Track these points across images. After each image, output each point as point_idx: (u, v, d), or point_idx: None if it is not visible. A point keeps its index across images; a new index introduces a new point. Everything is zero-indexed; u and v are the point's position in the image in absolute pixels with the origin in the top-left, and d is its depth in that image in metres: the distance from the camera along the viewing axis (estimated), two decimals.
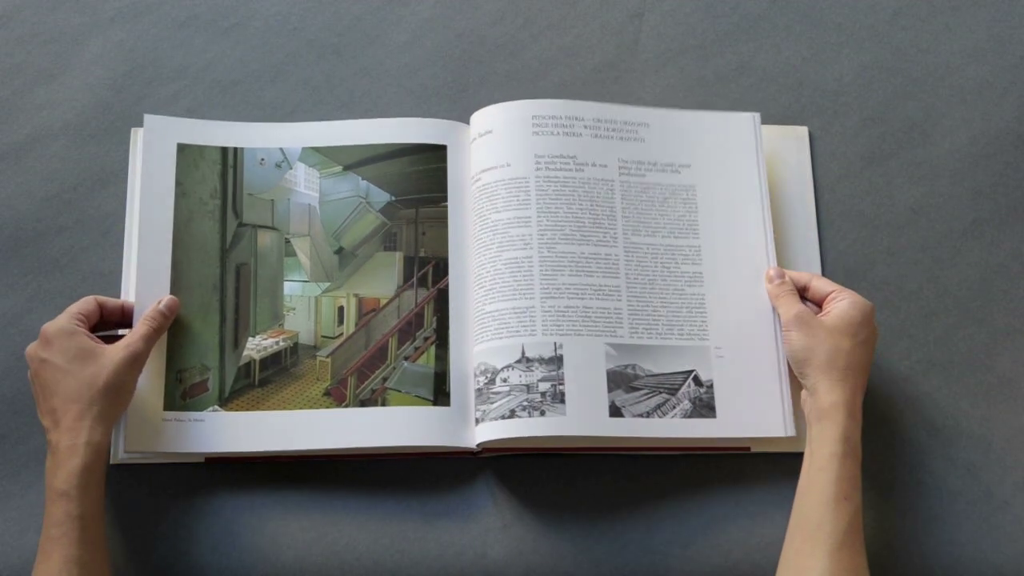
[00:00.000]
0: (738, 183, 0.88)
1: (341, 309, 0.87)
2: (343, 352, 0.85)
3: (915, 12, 0.98)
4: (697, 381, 0.83)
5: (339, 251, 0.88)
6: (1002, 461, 0.84)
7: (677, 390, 0.82)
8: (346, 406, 0.83)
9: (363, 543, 0.81)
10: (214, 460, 0.82)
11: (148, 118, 0.88)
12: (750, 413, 0.82)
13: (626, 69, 0.96)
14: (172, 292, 0.84)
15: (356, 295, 0.87)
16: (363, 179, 0.89)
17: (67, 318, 0.78)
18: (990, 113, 0.94)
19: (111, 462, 0.82)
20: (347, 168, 0.90)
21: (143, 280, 0.83)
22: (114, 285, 0.87)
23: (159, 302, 0.81)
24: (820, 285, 0.83)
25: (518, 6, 0.98)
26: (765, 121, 0.93)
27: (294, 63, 0.95)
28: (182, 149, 0.88)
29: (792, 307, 0.81)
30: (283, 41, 0.96)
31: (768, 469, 0.84)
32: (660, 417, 0.81)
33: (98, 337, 0.79)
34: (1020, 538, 0.82)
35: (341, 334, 0.86)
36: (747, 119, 0.90)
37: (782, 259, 0.88)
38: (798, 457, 0.82)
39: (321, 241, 0.88)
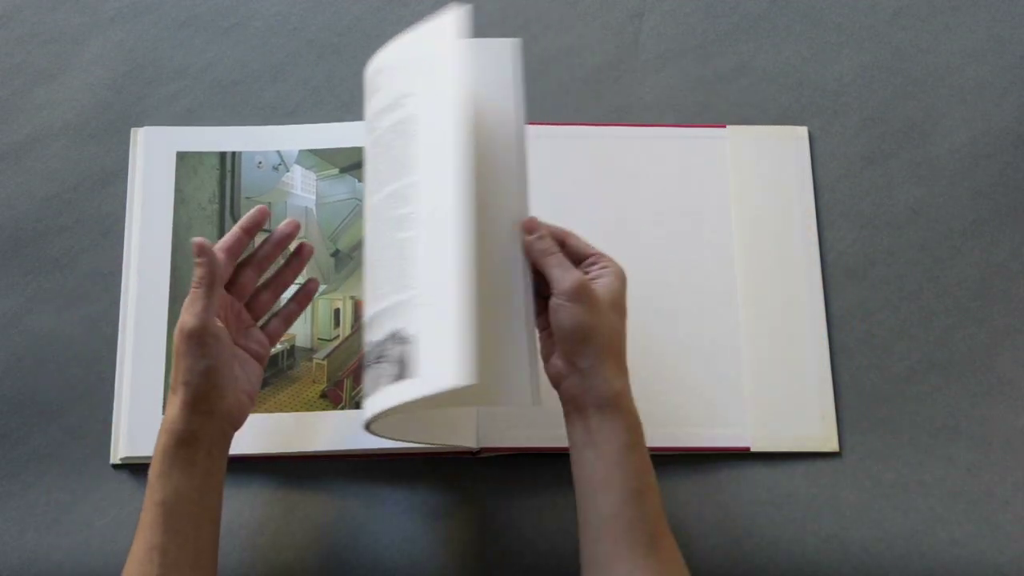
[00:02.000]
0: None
1: (337, 311, 0.87)
2: (339, 355, 0.85)
3: (915, 12, 0.98)
4: (400, 338, 0.67)
5: (335, 253, 0.88)
6: (1002, 461, 0.84)
7: (383, 355, 0.68)
8: (342, 408, 0.83)
9: (363, 543, 0.81)
10: None
11: (146, 130, 0.89)
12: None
13: (626, 69, 0.96)
14: (171, 298, 0.84)
15: (352, 297, 0.87)
16: (360, 181, 0.89)
17: (197, 301, 0.69)
18: (990, 113, 0.94)
19: (110, 461, 0.82)
20: (344, 170, 0.90)
21: (143, 287, 0.83)
22: (114, 285, 0.87)
23: (193, 251, 0.70)
24: (578, 245, 0.72)
25: (518, 6, 0.98)
26: (765, 121, 0.93)
27: (294, 63, 0.95)
28: (181, 157, 0.89)
29: (570, 273, 0.68)
30: (283, 41, 0.96)
31: (768, 469, 0.84)
32: (373, 393, 0.68)
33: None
34: (1020, 538, 0.82)
35: (337, 336, 0.86)
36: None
37: (782, 259, 0.88)
38: (797, 457, 0.82)
39: (318, 243, 0.88)
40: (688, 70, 0.96)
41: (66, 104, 0.93)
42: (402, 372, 0.65)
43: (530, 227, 0.71)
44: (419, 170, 0.69)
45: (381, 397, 0.67)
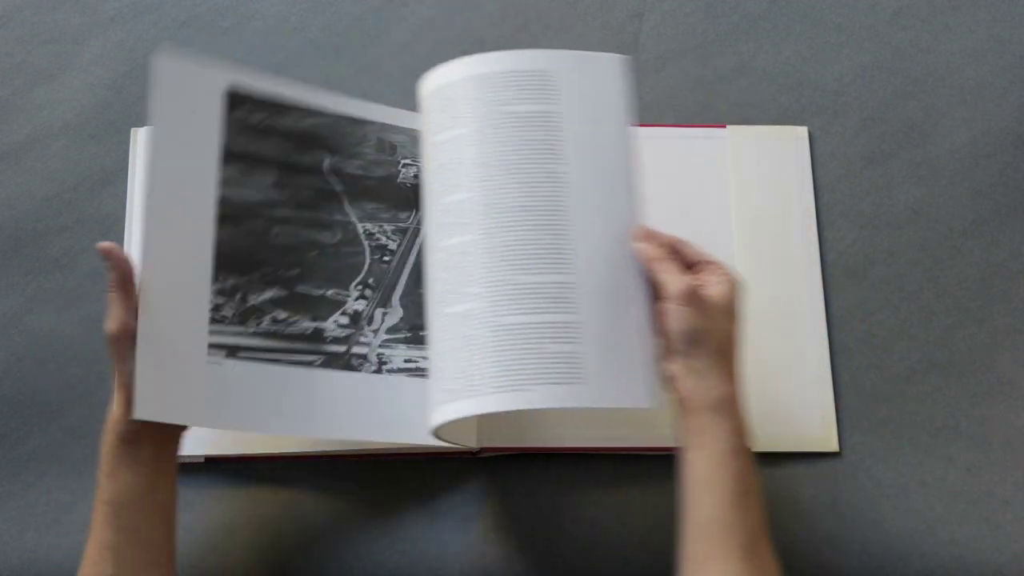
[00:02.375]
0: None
1: None
2: None
3: (915, 12, 0.98)
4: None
5: None
6: (1002, 461, 0.84)
7: None
8: None
9: (363, 543, 0.81)
10: (214, 459, 0.82)
11: (147, 130, 0.88)
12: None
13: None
14: None
15: None
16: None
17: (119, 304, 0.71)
18: (990, 113, 0.94)
19: None
20: None
21: (143, 287, 0.83)
22: None
23: (101, 253, 0.72)
24: (691, 252, 0.74)
25: (518, 6, 0.98)
26: (765, 121, 0.93)
27: (294, 63, 0.95)
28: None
29: (679, 278, 0.71)
30: (283, 41, 0.96)
31: (768, 469, 0.83)
32: None
33: None
34: (1021, 538, 0.82)
35: None
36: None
37: (782, 259, 0.88)
38: (798, 457, 0.82)
39: None
40: (688, 70, 0.96)
41: (66, 104, 0.93)
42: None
43: (641, 234, 0.74)
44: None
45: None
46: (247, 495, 0.82)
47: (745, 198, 0.91)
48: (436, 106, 0.80)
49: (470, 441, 0.82)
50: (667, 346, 0.71)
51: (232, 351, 0.80)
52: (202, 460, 0.82)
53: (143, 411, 0.75)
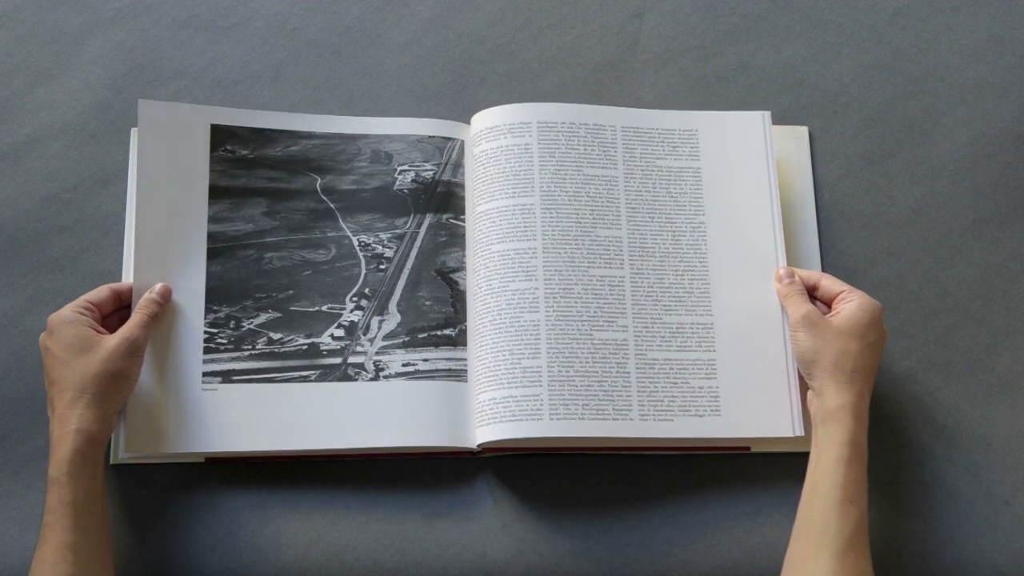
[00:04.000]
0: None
1: None
2: None
3: (915, 12, 0.98)
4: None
5: None
6: (1002, 461, 0.84)
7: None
8: None
9: (363, 543, 0.81)
10: (214, 460, 0.82)
11: (143, 103, 0.87)
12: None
13: (626, 69, 0.96)
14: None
15: None
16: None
17: (71, 307, 0.78)
18: (990, 113, 0.94)
19: (111, 462, 0.82)
20: None
21: (141, 278, 0.83)
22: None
23: (152, 290, 0.81)
24: (830, 285, 0.82)
25: (518, 6, 0.98)
26: None
27: (294, 63, 0.95)
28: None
29: (800, 307, 0.81)
30: (283, 41, 0.96)
31: (768, 469, 0.84)
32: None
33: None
34: (1021, 538, 0.82)
35: None
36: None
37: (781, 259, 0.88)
38: (797, 457, 0.82)
39: None
40: (688, 70, 0.96)
41: (66, 104, 0.93)
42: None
43: (781, 275, 0.84)
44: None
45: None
46: (247, 495, 0.82)
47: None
48: (584, 139, 0.87)
49: (470, 441, 0.82)
50: (799, 367, 0.81)
51: (227, 376, 0.82)
52: (202, 460, 0.82)
53: (134, 445, 0.79)
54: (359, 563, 0.80)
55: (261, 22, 0.97)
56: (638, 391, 0.81)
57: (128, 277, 0.86)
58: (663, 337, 0.83)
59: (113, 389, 0.76)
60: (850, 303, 0.79)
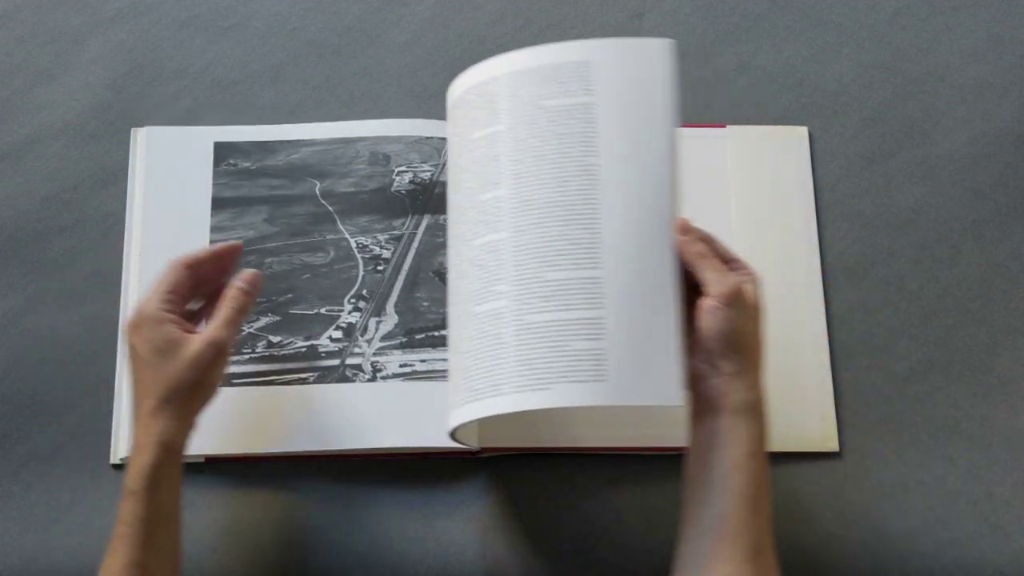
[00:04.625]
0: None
1: None
2: None
3: (915, 12, 0.98)
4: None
5: None
6: (1002, 461, 0.84)
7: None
8: None
9: (363, 543, 0.81)
10: (214, 460, 0.82)
11: (147, 130, 0.89)
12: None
13: None
14: None
15: None
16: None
17: (157, 301, 0.71)
18: (990, 113, 0.94)
19: (110, 461, 0.82)
20: None
21: (143, 287, 0.83)
22: (114, 285, 0.87)
23: (240, 277, 0.74)
24: (721, 249, 0.73)
25: (518, 6, 0.98)
26: (765, 121, 0.93)
27: (294, 63, 0.95)
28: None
29: (726, 278, 0.69)
30: (283, 41, 0.96)
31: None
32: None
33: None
34: (1020, 538, 0.82)
35: None
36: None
37: (782, 259, 0.88)
38: (798, 457, 0.82)
39: None
40: (688, 70, 0.96)
41: (66, 104, 0.93)
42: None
43: (684, 228, 0.72)
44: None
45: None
46: (247, 495, 0.82)
47: (745, 198, 0.91)
48: (473, 103, 0.78)
49: (471, 441, 0.82)
50: (698, 344, 0.69)
51: (227, 379, 0.83)
52: (202, 460, 0.82)
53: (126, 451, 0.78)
54: (359, 563, 0.80)
55: (261, 22, 0.97)
56: (516, 362, 0.71)
57: (128, 278, 0.86)
58: (544, 297, 0.71)
59: (198, 397, 0.71)
60: (748, 276, 0.71)
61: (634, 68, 0.76)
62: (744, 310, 0.68)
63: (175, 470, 0.69)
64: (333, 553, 0.80)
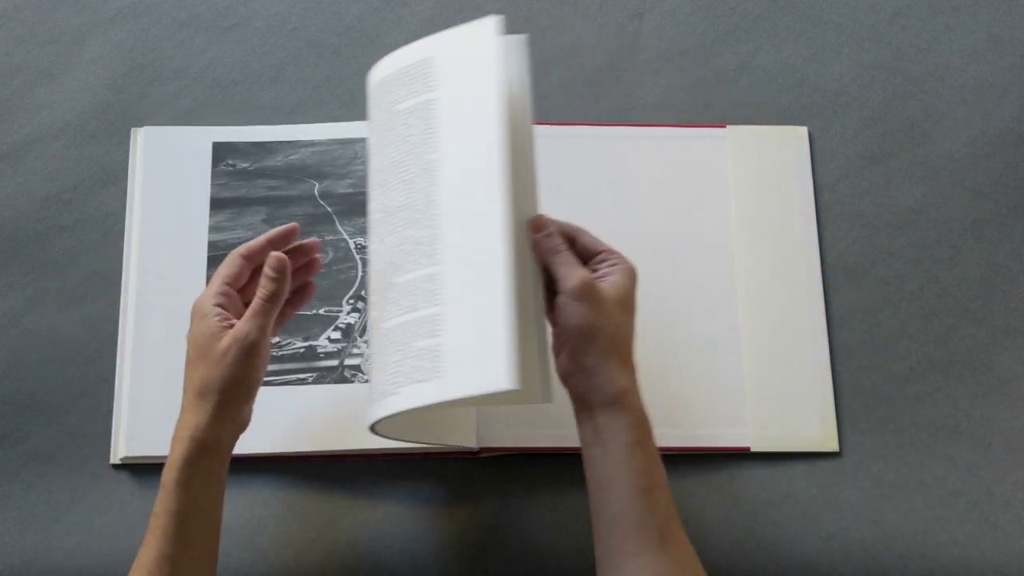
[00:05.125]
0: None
1: None
2: None
3: (915, 12, 0.98)
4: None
5: None
6: (1002, 461, 0.84)
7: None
8: None
9: (363, 543, 0.81)
10: None
11: (146, 130, 0.90)
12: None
13: (626, 69, 0.96)
14: (172, 298, 0.84)
15: None
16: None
17: (213, 293, 0.71)
18: (990, 113, 0.94)
19: (110, 461, 0.82)
20: None
21: (143, 287, 0.84)
22: (114, 285, 0.87)
23: (268, 264, 0.70)
24: (589, 242, 0.72)
25: (518, 6, 0.98)
26: (765, 121, 0.93)
27: (294, 63, 0.95)
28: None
29: (576, 272, 0.68)
30: (283, 41, 0.96)
31: (768, 469, 0.84)
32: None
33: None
34: (1020, 538, 0.82)
35: None
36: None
37: (782, 259, 0.88)
38: (798, 457, 0.82)
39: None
40: (688, 70, 0.96)
41: (66, 104, 0.93)
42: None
43: (537, 225, 0.70)
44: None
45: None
46: (248, 495, 0.82)
47: (745, 198, 0.91)
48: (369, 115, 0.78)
49: (470, 441, 0.82)
50: (559, 340, 0.69)
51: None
52: None
53: (134, 446, 0.78)
54: (359, 563, 0.80)
55: (261, 22, 0.97)
56: (377, 370, 0.70)
57: (128, 278, 0.86)
58: (394, 302, 0.70)
59: (232, 393, 0.68)
60: (615, 267, 0.70)
61: (469, 56, 0.73)
62: (598, 303, 0.67)
63: (212, 467, 0.68)
64: (333, 553, 0.80)
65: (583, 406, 0.68)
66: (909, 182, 0.92)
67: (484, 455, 0.83)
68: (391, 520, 0.82)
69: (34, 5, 0.97)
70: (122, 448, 0.81)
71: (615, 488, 0.66)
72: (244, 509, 0.81)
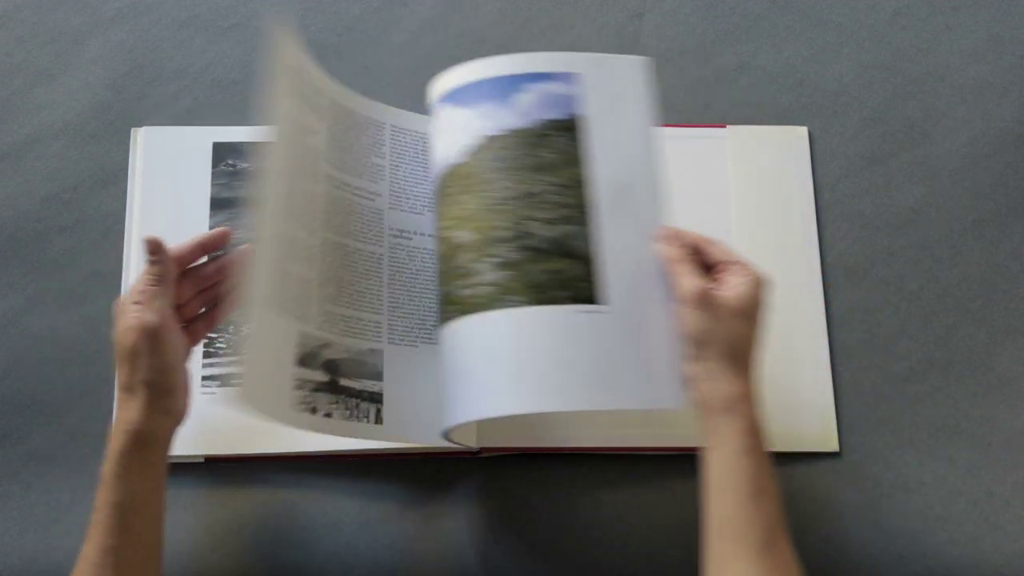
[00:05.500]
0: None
1: None
2: None
3: (915, 12, 0.98)
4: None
5: None
6: (1002, 461, 0.84)
7: None
8: None
9: (363, 543, 0.81)
10: (214, 460, 0.82)
11: (146, 130, 0.89)
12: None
13: None
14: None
15: None
16: None
17: (131, 293, 0.71)
18: (990, 113, 0.94)
19: None
20: None
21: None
22: (114, 285, 0.87)
23: (146, 247, 0.72)
24: (714, 252, 0.74)
25: (518, 6, 0.98)
26: (765, 121, 0.93)
27: None
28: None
29: (692, 280, 0.71)
30: None
31: None
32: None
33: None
34: (1020, 538, 0.82)
35: None
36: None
37: (782, 259, 0.88)
38: (798, 457, 0.82)
39: None
40: (688, 70, 0.96)
41: (66, 104, 0.93)
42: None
43: (663, 235, 0.74)
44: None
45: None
46: (247, 495, 0.82)
47: (745, 198, 0.91)
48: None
49: (470, 441, 0.82)
50: (686, 348, 0.71)
51: (226, 380, 0.83)
52: (202, 460, 0.82)
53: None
54: (359, 563, 0.80)
55: (261, 22, 0.97)
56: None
57: (128, 278, 0.86)
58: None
59: (154, 384, 0.69)
60: (741, 278, 0.71)
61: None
62: (712, 311, 0.69)
63: (149, 458, 0.69)
64: (333, 553, 0.80)
65: (703, 410, 0.70)
66: (909, 182, 0.92)
67: (484, 455, 0.83)
68: (391, 520, 0.82)
69: (34, 5, 0.97)
70: None
71: (724, 492, 0.68)
72: (244, 509, 0.81)
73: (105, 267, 0.88)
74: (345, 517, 0.82)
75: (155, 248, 0.71)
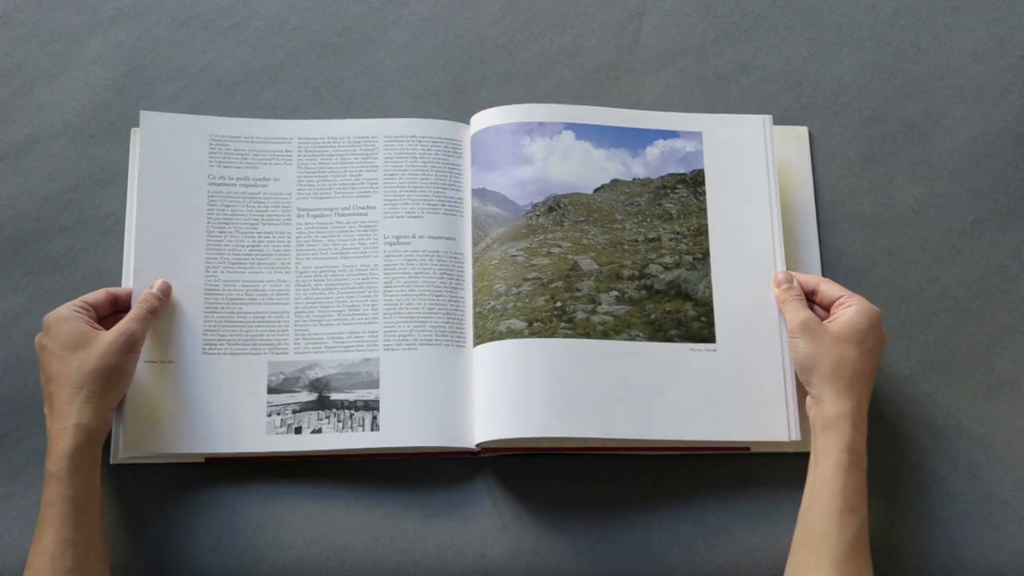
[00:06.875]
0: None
1: None
2: None
3: (915, 12, 0.98)
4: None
5: None
6: (1002, 461, 0.84)
7: None
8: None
9: (363, 543, 0.81)
10: (214, 460, 0.82)
11: (144, 127, 0.88)
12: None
13: (626, 69, 0.96)
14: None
15: None
16: None
17: (68, 306, 0.79)
18: (990, 113, 0.94)
19: (111, 462, 0.82)
20: None
21: (143, 287, 0.83)
22: (114, 285, 0.87)
23: (152, 285, 0.82)
24: (828, 290, 0.81)
25: (518, 6, 0.98)
26: None
27: (294, 63, 0.95)
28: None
29: (798, 313, 0.80)
30: (283, 41, 0.96)
31: (768, 469, 0.84)
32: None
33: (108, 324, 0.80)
34: (1020, 538, 0.82)
35: None
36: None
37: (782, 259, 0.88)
38: (798, 457, 0.82)
39: None
40: (688, 70, 0.96)
41: (66, 104, 0.93)
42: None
43: (778, 279, 0.84)
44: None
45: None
46: (247, 495, 0.82)
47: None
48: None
49: (470, 441, 0.82)
50: (798, 374, 0.80)
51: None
52: (202, 460, 0.82)
53: (134, 446, 0.81)
54: (359, 563, 0.80)
55: (261, 22, 0.97)
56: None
57: (128, 278, 0.86)
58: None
59: (110, 385, 0.76)
60: (848, 308, 0.79)
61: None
62: (816, 338, 0.78)
63: (95, 454, 0.75)
64: (333, 553, 0.80)
65: (812, 428, 0.77)
66: (909, 182, 0.92)
67: (484, 455, 0.83)
68: (391, 520, 0.82)
69: (34, 5, 0.97)
70: (122, 448, 0.81)
71: (814, 504, 0.74)
72: (244, 509, 0.81)
73: (105, 267, 0.88)
74: (345, 517, 0.82)
75: (165, 292, 0.83)
